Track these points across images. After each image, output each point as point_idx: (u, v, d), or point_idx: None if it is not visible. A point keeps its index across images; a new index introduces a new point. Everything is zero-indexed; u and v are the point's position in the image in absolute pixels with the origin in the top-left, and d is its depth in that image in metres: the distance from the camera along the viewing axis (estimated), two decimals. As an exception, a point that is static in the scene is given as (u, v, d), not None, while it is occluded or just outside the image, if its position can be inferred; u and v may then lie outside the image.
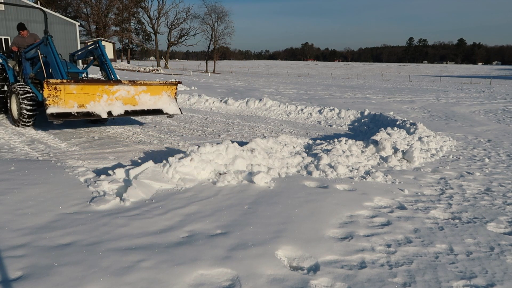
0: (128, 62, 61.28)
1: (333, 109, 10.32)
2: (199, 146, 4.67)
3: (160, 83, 6.89)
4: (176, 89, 7.27)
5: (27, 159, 5.20)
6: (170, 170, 4.19)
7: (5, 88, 8.33)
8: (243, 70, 70.50)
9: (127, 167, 4.19)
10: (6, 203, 3.45)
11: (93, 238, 2.88)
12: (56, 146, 6.03)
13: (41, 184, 3.97)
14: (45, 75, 7.24)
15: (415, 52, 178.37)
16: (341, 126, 9.24)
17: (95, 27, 56.43)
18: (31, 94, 7.15)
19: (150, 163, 4.21)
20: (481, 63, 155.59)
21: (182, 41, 62.83)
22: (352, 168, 4.93)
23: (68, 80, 5.77)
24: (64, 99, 5.68)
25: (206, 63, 63.59)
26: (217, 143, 4.88)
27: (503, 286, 2.47)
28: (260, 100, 11.89)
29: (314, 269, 2.61)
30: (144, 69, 43.16)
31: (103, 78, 7.76)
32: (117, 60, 53.94)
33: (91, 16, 55.17)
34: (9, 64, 8.37)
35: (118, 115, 6.34)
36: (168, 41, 61.90)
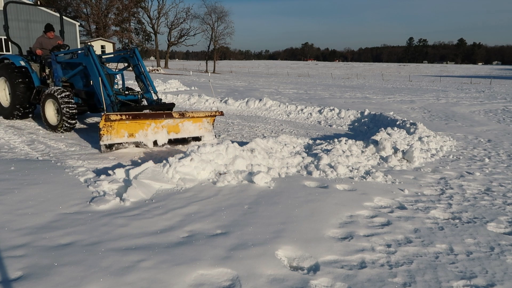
0: (128, 62, 61.15)
1: (333, 109, 10.32)
2: (199, 146, 4.67)
3: (206, 115, 6.56)
4: (215, 118, 6.97)
5: (27, 159, 5.19)
6: (170, 170, 4.19)
7: (30, 92, 7.88)
8: (243, 70, 70.50)
9: (127, 167, 4.19)
10: (6, 203, 3.45)
11: (93, 238, 2.88)
12: (56, 146, 6.03)
13: (41, 184, 3.97)
14: (83, 84, 7.32)
15: (415, 52, 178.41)
16: (341, 126, 9.24)
17: (95, 27, 56.42)
18: (73, 100, 6.87)
19: (150, 163, 4.21)
20: (481, 63, 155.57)
21: (182, 41, 62.86)
22: (352, 168, 4.93)
23: (126, 115, 5.49)
24: (117, 128, 5.63)
25: (206, 63, 63.60)
26: (217, 143, 4.88)
27: (503, 286, 2.47)
28: (260, 100, 11.89)
29: (314, 269, 2.60)
30: (144, 69, 43.03)
31: (140, 89, 7.32)
32: (117, 60, 53.77)
33: (91, 16, 55.16)
34: (32, 67, 7.98)
35: (162, 144, 6.20)
36: (168, 41, 61.92)
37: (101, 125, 5.43)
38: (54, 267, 2.44)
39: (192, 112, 6.26)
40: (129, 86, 8.28)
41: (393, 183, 4.52)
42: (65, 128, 6.86)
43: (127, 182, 3.96)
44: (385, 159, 5.46)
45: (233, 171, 4.47)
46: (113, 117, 5.35)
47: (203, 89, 19.13)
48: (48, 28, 8.25)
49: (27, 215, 3.23)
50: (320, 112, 10.37)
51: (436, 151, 6.18)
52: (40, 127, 7.56)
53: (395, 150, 5.69)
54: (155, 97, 7.08)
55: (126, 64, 7.52)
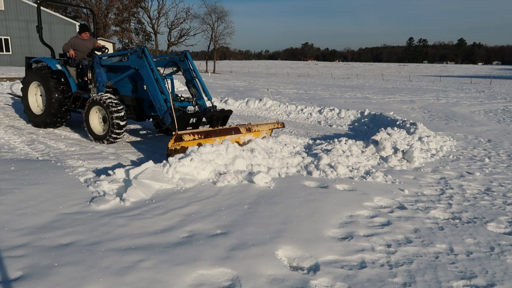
0: (128, 62, 61.04)
1: (333, 109, 10.33)
2: (199, 146, 4.67)
3: (269, 128, 6.12)
4: (273, 129, 6.49)
5: (27, 159, 5.19)
6: (170, 170, 4.19)
7: (67, 98, 7.20)
8: (243, 70, 70.49)
9: (127, 167, 4.19)
10: (6, 203, 3.45)
11: (93, 238, 2.88)
12: (56, 146, 6.03)
13: (41, 184, 3.97)
14: (130, 90, 6.59)
15: (415, 52, 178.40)
16: (341, 126, 9.24)
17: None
18: (122, 107, 6.23)
19: (150, 163, 4.21)
20: (481, 63, 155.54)
21: (182, 41, 62.77)
22: (352, 168, 4.93)
23: (199, 135, 4.91)
24: (183, 147, 5.08)
25: (206, 63, 63.58)
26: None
27: (503, 286, 2.47)
28: (260, 100, 11.89)
29: (314, 269, 2.61)
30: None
31: (192, 95, 6.63)
32: (117, 60, 53.65)
33: (91, 16, 55.20)
34: (69, 71, 7.32)
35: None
36: (168, 41, 61.89)
37: (170, 145, 4.81)
38: (54, 267, 2.44)
39: (257, 126, 5.86)
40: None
41: (393, 183, 4.52)
42: (113, 138, 6.23)
43: (127, 182, 3.96)
44: (385, 159, 5.46)
45: (233, 171, 4.47)
46: (186, 137, 4.73)
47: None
48: (83, 28, 7.55)
49: (27, 215, 3.23)
50: (320, 112, 10.38)
51: (436, 151, 6.18)
52: (40, 127, 7.55)
53: (395, 150, 5.69)
54: (209, 104, 6.47)
55: (175, 69, 6.92)
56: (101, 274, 2.39)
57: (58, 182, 4.09)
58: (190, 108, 6.73)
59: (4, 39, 30.87)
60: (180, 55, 6.65)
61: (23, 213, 3.26)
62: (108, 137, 6.22)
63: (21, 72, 23.88)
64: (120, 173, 4.10)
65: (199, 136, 4.90)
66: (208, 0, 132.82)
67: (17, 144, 6.12)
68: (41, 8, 33.19)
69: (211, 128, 5.50)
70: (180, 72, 6.81)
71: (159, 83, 5.77)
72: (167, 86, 6.11)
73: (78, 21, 39.43)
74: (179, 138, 4.70)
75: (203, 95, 6.55)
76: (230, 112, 6.37)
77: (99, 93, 6.45)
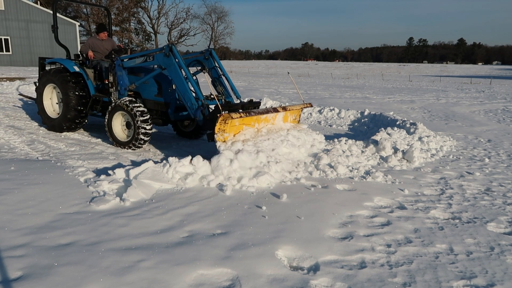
0: (128, 62, 61.07)
1: (333, 109, 10.32)
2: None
3: (301, 108, 6.19)
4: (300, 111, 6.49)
5: (27, 159, 5.19)
6: (170, 170, 4.19)
7: (85, 101, 6.86)
8: (243, 70, 70.43)
9: (127, 167, 4.19)
10: (6, 203, 3.45)
11: (93, 238, 2.88)
12: (56, 146, 6.03)
13: (41, 184, 3.97)
14: (153, 93, 6.29)
15: (415, 52, 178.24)
16: (341, 126, 9.24)
17: (95, 27, 56.43)
18: (148, 113, 5.95)
19: (150, 163, 4.22)
20: (481, 63, 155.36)
21: (182, 41, 62.91)
22: (352, 168, 4.93)
23: (245, 113, 4.86)
24: (227, 131, 4.91)
25: (206, 63, 63.65)
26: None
27: (503, 286, 2.48)
28: (260, 100, 11.89)
29: (314, 269, 2.61)
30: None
31: (220, 93, 6.39)
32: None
33: (91, 16, 55.12)
34: (87, 73, 6.98)
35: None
36: (168, 41, 61.96)
37: (216, 129, 4.68)
38: (54, 267, 2.44)
39: (290, 106, 5.91)
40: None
41: (393, 183, 4.52)
42: (136, 147, 6.00)
43: (127, 182, 3.97)
44: (385, 159, 5.46)
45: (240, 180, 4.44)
46: (234, 115, 4.65)
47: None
48: (101, 28, 7.26)
49: (27, 215, 3.23)
50: (320, 112, 10.38)
51: (436, 151, 6.18)
52: (40, 127, 7.56)
53: (395, 150, 5.69)
54: (237, 102, 6.23)
55: (199, 68, 6.68)
56: (101, 274, 2.39)
57: (58, 182, 4.09)
58: None
59: (4, 39, 30.86)
60: (204, 53, 6.40)
61: (23, 213, 3.26)
62: (131, 144, 5.97)
63: (21, 72, 23.89)
64: (120, 173, 4.10)
65: (246, 114, 4.86)
66: (208, 0, 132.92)
67: (17, 144, 6.12)
68: (42, 8, 32.79)
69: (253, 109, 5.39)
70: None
71: (189, 81, 5.56)
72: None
73: (78, 21, 39.41)
74: (228, 117, 4.61)
75: (231, 93, 6.35)
76: (259, 103, 6.11)
77: (122, 98, 6.17)
